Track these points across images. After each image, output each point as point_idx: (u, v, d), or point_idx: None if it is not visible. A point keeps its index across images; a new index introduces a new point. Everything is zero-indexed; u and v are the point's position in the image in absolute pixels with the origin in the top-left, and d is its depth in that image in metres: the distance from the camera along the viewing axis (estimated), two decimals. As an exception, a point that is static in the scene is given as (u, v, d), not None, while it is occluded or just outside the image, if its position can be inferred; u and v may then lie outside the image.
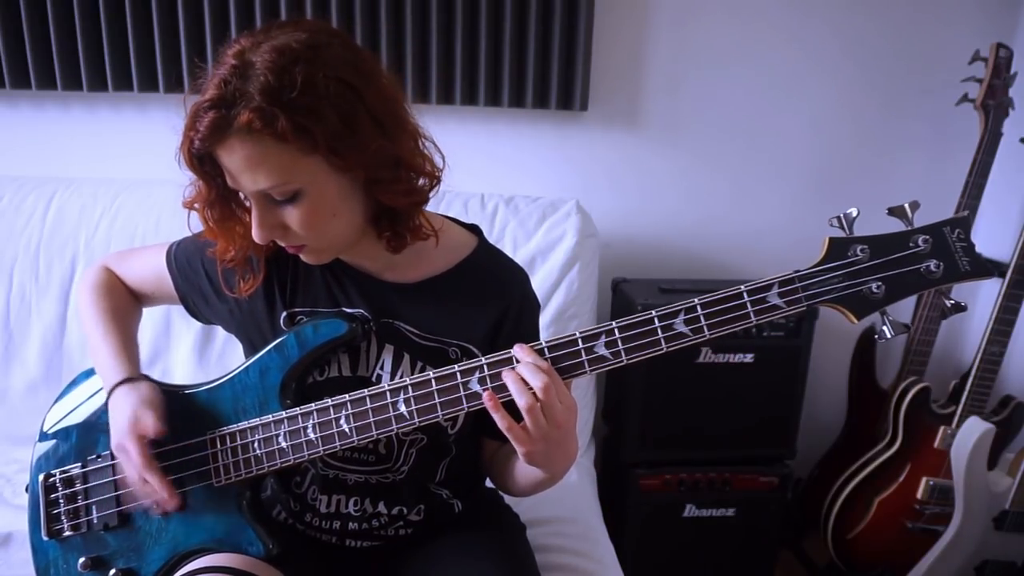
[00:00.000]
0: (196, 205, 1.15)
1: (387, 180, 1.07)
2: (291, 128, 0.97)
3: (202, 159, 1.05)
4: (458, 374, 1.05)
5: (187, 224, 1.21)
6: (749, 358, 2.10)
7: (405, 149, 1.08)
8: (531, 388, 0.99)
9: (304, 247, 1.11)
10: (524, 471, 1.18)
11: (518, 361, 1.03)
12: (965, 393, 2.10)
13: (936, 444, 2.13)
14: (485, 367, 1.04)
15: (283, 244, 1.11)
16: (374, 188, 1.08)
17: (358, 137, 1.02)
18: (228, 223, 1.14)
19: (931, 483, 2.14)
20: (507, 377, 1.01)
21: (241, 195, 1.10)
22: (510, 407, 1.01)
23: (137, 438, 1.11)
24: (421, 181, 1.12)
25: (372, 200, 1.10)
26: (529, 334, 1.26)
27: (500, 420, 1.00)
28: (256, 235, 1.06)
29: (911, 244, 0.95)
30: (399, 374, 1.19)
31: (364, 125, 1.02)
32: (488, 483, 1.49)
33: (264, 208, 1.05)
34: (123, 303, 1.33)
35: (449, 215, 1.31)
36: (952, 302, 0.97)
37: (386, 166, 1.06)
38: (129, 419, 1.13)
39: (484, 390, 1.03)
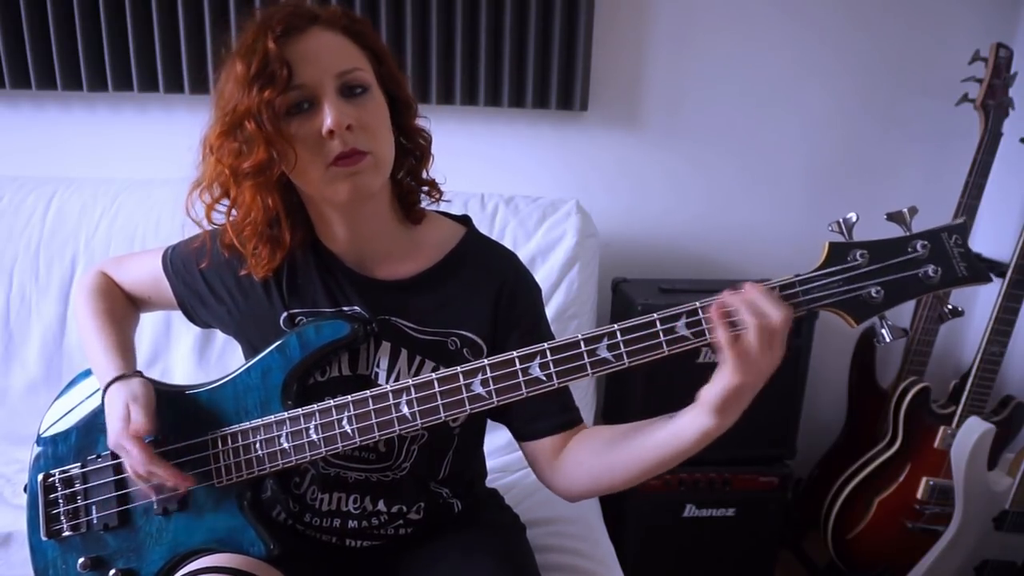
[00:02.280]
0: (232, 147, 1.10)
1: (410, 114, 1.20)
2: (365, 34, 1.13)
3: (277, 55, 1.04)
4: (460, 375, 1.05)
5: (190, 214, 1.19)
6: (749, 358, 2.09)
7: (414, 108, 1.22)
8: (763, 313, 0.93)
9: (367, 156, 1.08)
10: (653, 442, 1.11)
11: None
12: (965, 393, 2.10)
13: (936, 444, 2.13)
14: (488, 368, 1.04)
15: (349, 147, 1.06)
16: (404, 115, 1.18)
17: (397, 73, 1.18)
18: (270, 162, 1.08)
19: (931, 483, 2.14)
20: (734, 299, 0.94)
21: (297, 110, 1.07)
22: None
23: (135, 440, 1.11)
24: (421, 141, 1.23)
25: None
26: (528, 312, 1.25)
27: (723, 333, 0.93)
28: (333, 118, 1.04)
29: (910, 249, 0.95)
30: (396, 370, 1.20)
31: (397, 69, 1.18)
32: (487, 483, 1.49)
33: (338, 98, 1.07)
34: (119, 306, 1.34)
35: (440, 211, 1.32)
36: (950, 307, 0.98)
37: (409, 105, 1.20)
38: (122, 418, 1.13)
39: (706, 306, 0.96)
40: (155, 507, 1.19)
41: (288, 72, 1.04)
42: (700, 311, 0.98)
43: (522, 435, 1.23)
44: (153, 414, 1.14)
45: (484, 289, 1.23)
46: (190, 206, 1.18)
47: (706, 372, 2.12)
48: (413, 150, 1.22)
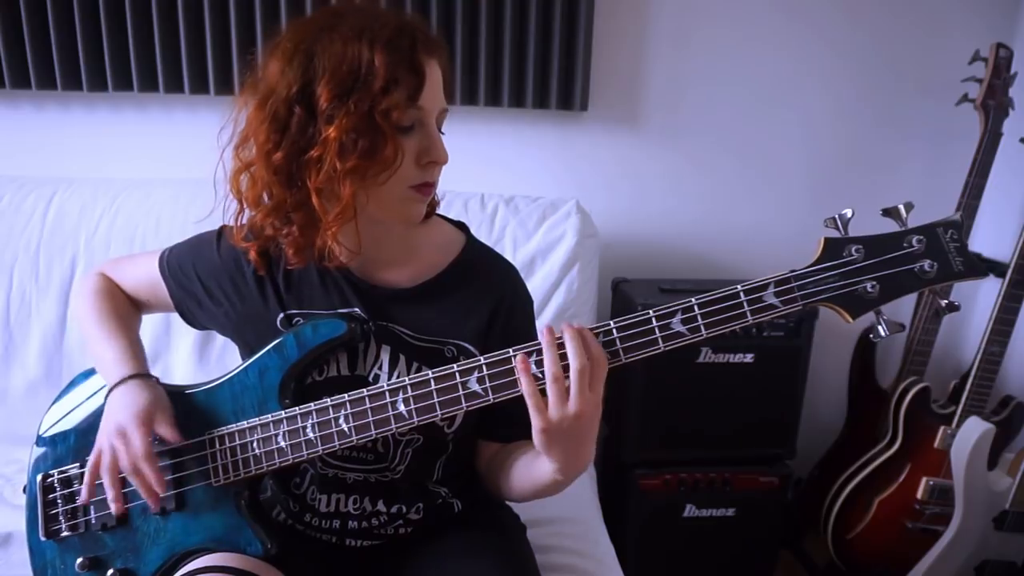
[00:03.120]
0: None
1: None
2: (449, 78, 1.14)
3: (406, 77, 1.04)
4: (457, 374, 1.05)
5: (239, 187, 1.15)
6: (749, 358, 2.10)
7: None
8: (565, 363, 0.98)
9: (433, 188, 1.14)
10: (527, 470, 1.16)
11: (539, 353, 1.02)
12: (965, 393, 2.10)
13: (936, 444, 2.13)
14: (484, 367, 1.04)
15: (433, 179, 1.13)
16: None
17: None
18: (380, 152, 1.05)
19: (931, 483, 2.14)
20: (544, 342, 0.99)
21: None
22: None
23: (145, 429, 1.11)
24: None
25: None
26: (521, 328, 1.26)
27: (525, 384, 0.99)
28: (443, 155, 1.10)
29: (905, 244, 0.96)
30: (396, 374, 1.19)
31: None
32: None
33: (437, 132, 1.11)
34: (123, 307, 1.33)
35: (439, 213, 1.32)
36: (946, 302, 0.98)
37: None
38: (141, 408, 1.12)
39: (515, 354, 1.02)
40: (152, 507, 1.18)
41: (421, 88, 1.05)
42: (696, 306, 0.99)
43: (485, 434, 1.30)
44: (174, 422, 1.15)
45: (483, 303, 1.23)
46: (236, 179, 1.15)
47: (705, 372, 2.14)
48: None
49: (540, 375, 0.99)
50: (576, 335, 0.98)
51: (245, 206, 1.16)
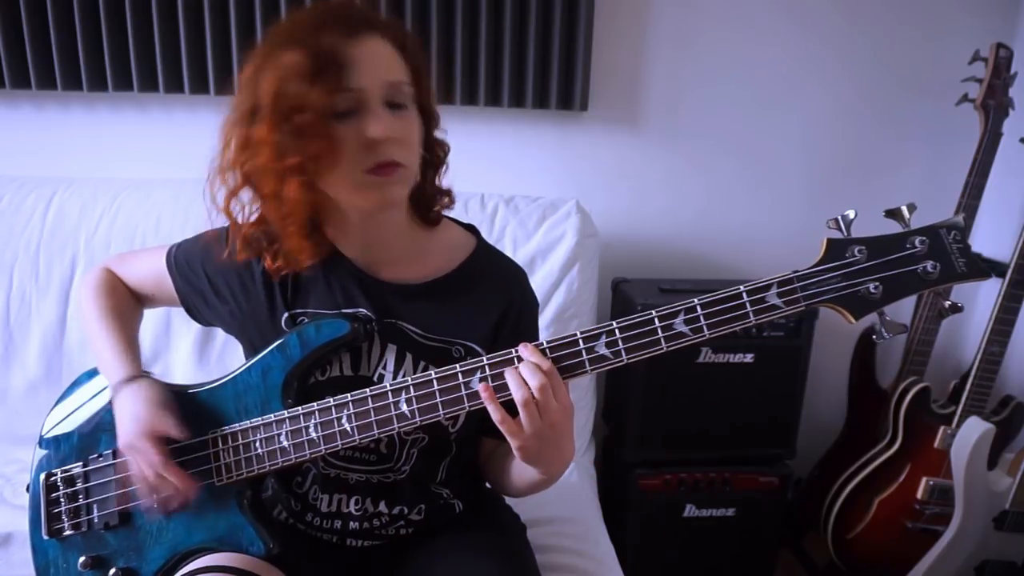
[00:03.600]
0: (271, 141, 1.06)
1: (435, 124, 1.21)
2: (415, 52, 1.13)
3: (336, 56, 1.03)
4: (459, 374, 1.06)
5: (216, 203, 1.15)
6: (749, 358, 2.10)
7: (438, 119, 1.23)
8: (527, 386, 1.01)
9: (399, 168, 1.08)
10: (519, 470, 1.19)
11: (520, 359, 1.04)
12: (965, 393, 2.10)
13: (936, 444, 2.13)
14: (487, 367, 1.05)
15: (388, 158, 1.07)
16: (429, 125, 1.19)
17: (429, 85, 1.18)
18: (321, 150, 1.06)
19: (931, 483, 2.14)
20: (508, 374, 1.03)
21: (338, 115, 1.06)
22: (511, 406, 1.02)
23: (152, 437, 1.12)
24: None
25: None
26: (528, 332, 1.27)
27: (493, 412, 1.02)
28: (384, 128, 1.04)
29: (908, 245, 0.96)
30: (402, 374, 1.20)
31: (429, 80, 1.18)
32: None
33: (383, 112, 1.06)
34: (125, 303, 1.34)
35: (447, 215, 1.32)
36: (949, 303, 0.99)
37: (435, 116, 1.21)
38: (144, 419, 1.13)
39: (481, 382, 1.04)
40: (155, 506, 1.18)
41: (344, 73, 1.03)
42: (699, 307, 0.99)
43: (487, 431, 1.29)
44: (180, 419, 1.15)
45: (492, 305, 1.24)
46: (214, 195, 1.15)
47: (705, 372, 2.14)
48: (432, 160, 1.23)
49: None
50: (530, 352, 1.04)
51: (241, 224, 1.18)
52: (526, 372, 1.02)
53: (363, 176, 1.07)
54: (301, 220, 1.11)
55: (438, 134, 1.23)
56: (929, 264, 0.95)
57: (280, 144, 1.04)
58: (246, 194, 1.14)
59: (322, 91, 1.02)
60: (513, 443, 1.04)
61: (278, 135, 1.03)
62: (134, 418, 1.14)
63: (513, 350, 1.05)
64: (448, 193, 1.27)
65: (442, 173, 1.26)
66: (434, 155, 1.23)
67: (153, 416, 1.14)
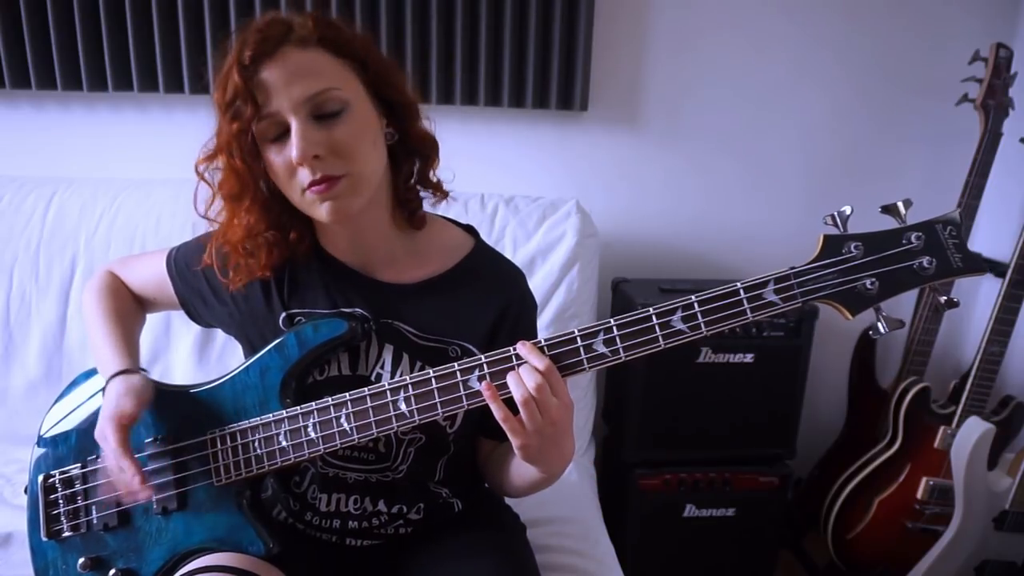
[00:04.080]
0: (215, 163, 1.13)
1: (412, 116, 1.18)
2: (343, 43, 1.09)
3: (242, 89, 1.04)
4: (458, 372, 1.06)
5: (196, 208, 1.20)
6: (749, 358, 2.10)
7: (417, 109, 1.20)
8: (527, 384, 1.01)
9: (341, 180, 1.07)
10: (520, 469, 1.18)
11: (519, 357, 1.04)
12: (965, 393, 2.10)
13: (936, 444, 2.13)
14: (485, 365, 1.05)
15: (319, 174, 1.06)
16: (404, 118, 1.17)
17: (391, 76, 1.15)
18: (248, 183, 1.11)
19: (931, 483, 2.14)
20: (509, 375, 1.03)
21: (269, 137, 1.08)
22: (512, 404, 1.02)
23: (117, 425, 1.11)
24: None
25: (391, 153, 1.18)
26: (527, 333, 1.26)
27: (497, 411, 1.02)
28: (298, 151, 1.03)
29: (904, 241, 0.96)
30: (399, 373, 1.20)
31: (392, 71, 1.16)
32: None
33: (307, 125, 1.05)
34: (126, 305, 1.34)
35: (446, 216, 1.32)
36: (945, 298, 0.99)
37: (410, 107, 1.17)
38: (113, 404, 1.13)
39: (482, 380, 1.04)
40: (154, 506, 1.18)
41: (254, 105, 1.04)
42: (696, 304, 1.00)
43: (487, 432, 1.31)
44: (144, 406, 1.15)
45: (490, 305, 1.23)
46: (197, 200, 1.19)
47: (705, 372, 2.13)
48: (416, 153, 1.21)
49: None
50: (528, 351, 1.04)
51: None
52: (524, 373, 1.02)
53: (304, 195, 1.09)
54: (236, 242, 1.16)
55: (424, 125, 1.21)
56: (925, 260, 0.95)
57: (217, 173, 1.13)
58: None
59: (232, 128, 1.05)
60: (515, 441, 1.04)
61: (214, 166, 1.13)
62: (107, 404, 1.14)
63: (511, 348, 1.05)
64: (436, 186, 1.25)
65: (435, 167, 1.24)
66: (417, 146, 1.20)
67: (124, 400, 1.13)
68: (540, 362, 1.02)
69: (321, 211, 1.09)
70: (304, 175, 1.06)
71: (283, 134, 1.06)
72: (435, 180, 1.24)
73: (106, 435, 1.11)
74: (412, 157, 1.21)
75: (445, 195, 1.26)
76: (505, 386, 1.03)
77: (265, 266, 1.18)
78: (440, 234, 1.28)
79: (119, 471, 1.13)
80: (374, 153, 1.12)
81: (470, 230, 1.32)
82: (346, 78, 1.08)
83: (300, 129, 1.04)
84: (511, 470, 1.23)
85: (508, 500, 1.47)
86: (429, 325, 1.21)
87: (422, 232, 1.25)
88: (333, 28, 1.09)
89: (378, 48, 1.18)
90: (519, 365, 1.04)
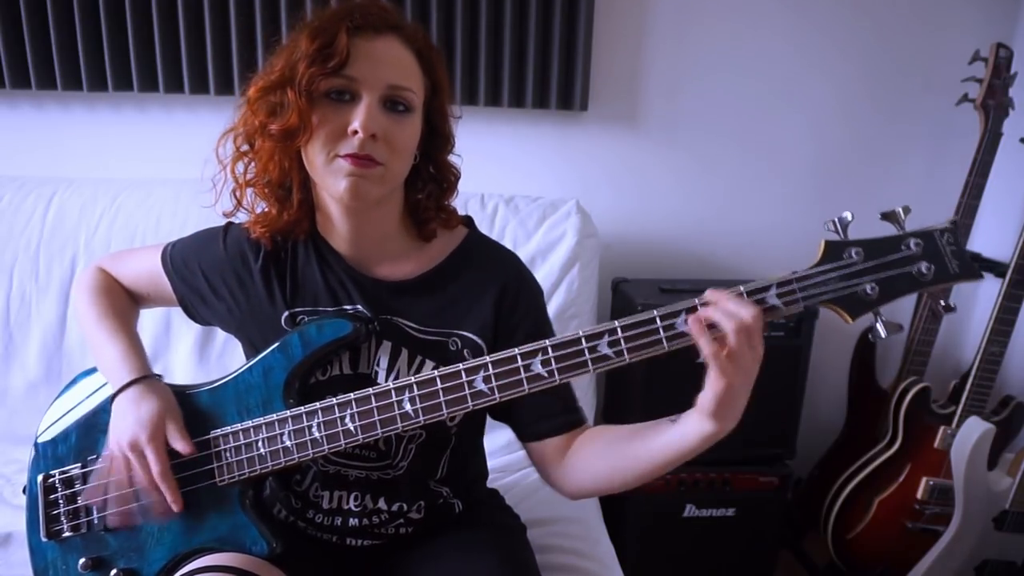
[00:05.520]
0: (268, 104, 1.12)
1: (446, 146, 1.25)
2: (434, 64, 1.17)
3: (344, 43, 1.07)
4: (463, 372, 1.06)
5: (218, 156, 1.21)
6: (749, 358, 2.09)
7: (451, 142, 1.27)
8: (736, 316, 0.95)
9: (377, 167, 1.10)
10: (655, 449, 1.12)
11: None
12: (965, 393, 2.10)
13: (936, 444, 2.13)
14: (490, 365, 1.05)
15: (365, 151, 1.08)
16: (439, 147, 1.24)
17: (446, 107, 1.22)
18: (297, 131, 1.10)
19: (931, 483, 2.14)
20: (710, 309, 0.97)
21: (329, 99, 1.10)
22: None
23: (159, 444, 1.13)
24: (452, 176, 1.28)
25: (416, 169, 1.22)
26: (529, 315, 1.25)
27: (705, 345, 0.96)
28: (365, 121, 1.07)
29: (903, 247, 0.98)
30: (395, 369, 1.20)
31: (448, 104, 1.23)
32: (488, 484, 1.49)
33: (377, 106, 1.09)
34: (122, 303, 1.33)
35: None
36: (943, 303, 1.01)
37: (447, 138, 1.25)
38: (153, 420, 1.14)
39: (687, 317, 0.99)
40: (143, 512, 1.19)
41: (344, 61, 1.07)
42: (700, 308, 0.99)
43: (526, 435, 1.24)
44: (183, 427, 1.17)
45: (486, 291, 1.23)
46: (220, 148, 1.20)
47: (706, 371, 2.11)
48: (441, 181, 1.26)
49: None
50: (724, 293, 0.98)
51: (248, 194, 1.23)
52: (734, 304, 0.96)
53: (333, 159, 1.09)
54: (270, 185, 1.18)
55: (452, 159, 1.26)
56: (923, 265, 0.97)
57: (267, 108, 1.11)
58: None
59: (311, 70, 1.06)
60: (720, 384, 0.98)
61: (268, 100, 1.11)
62: (140, 420, 1.14)
63: (516, 349, 1.04)
64: (451, 214, 1.28)
65: (452, 197, 1.28)
66: (442, 177, 1.26)
67: (162, 419, 1.15)
68: (745, 301, 0.97)
69: (341, 184, 1.09)
70: (350, 144, 1.08)
71: (347, 99, 1.09)
72: (450, 208, 1.28)
73: (147, 453, 1.13)
74: (432, 182, 1.25)
75: (456, 223, 1.29)
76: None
77: (270, 228, 1.21)
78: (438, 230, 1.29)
79: (152, 489, 1.14)
80: (409, 160, 1.17)
81: (466, 220, 1.32)
82: (420, 91, 1.15)
83: (372, 105, 1.08)
84: (636, 450, 1.14)
85: (508, 500, 1.48)
86: (428, 318, 1.22)
87: (420, 238, 1.26)
88: (433, 50, 1.18)
89: (452, 84, 1.25)
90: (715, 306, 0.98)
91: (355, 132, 1.07)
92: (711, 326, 0.97)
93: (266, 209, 1.22)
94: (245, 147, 1.18)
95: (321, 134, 1.08)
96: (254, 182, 1.20)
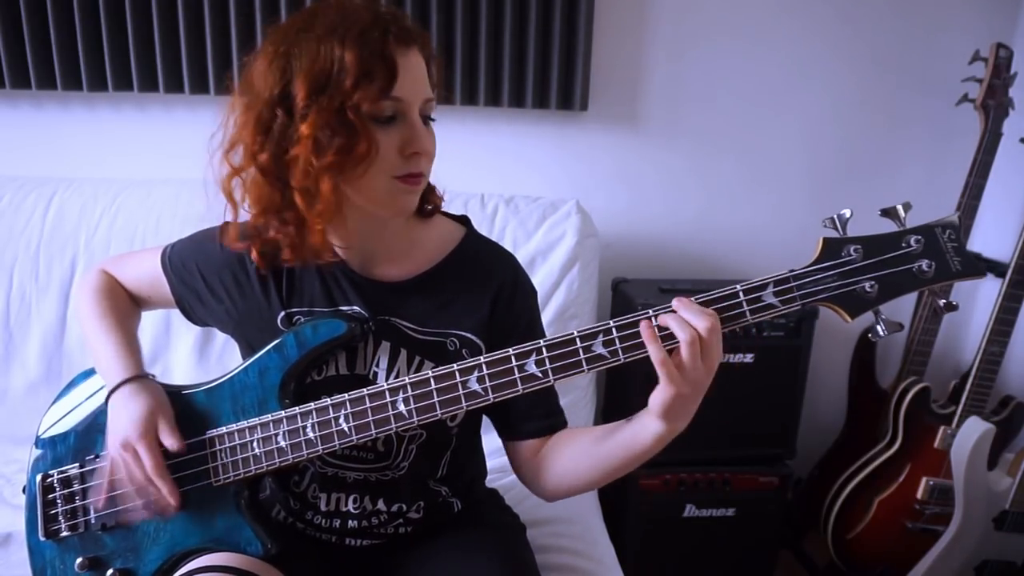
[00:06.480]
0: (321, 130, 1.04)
1: None
2: (438, 71, 1.17)
3: (392, 62, 1.04)
4: (456, 373, 1.06)
5: (217, 182, 1.15)
6: (749, 358, 2.10)
7: None
8: (692, 327, 0.97)
9: (423, 178, 1.12)
10: (613, 448, 1.15)
11: (629, 325, 1.01)
12: (965, 393, 2.10)
13: (936, 444, 2.13)
14: (484, 366, 1.05)
15: (419, 169, 1.10)
16: None
17: None
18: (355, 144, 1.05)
19: (931, 483, 2.14)
20: (667, 317, 0.98)
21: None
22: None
23: (151, 442, 1.13)
24: None
25: None
26: (523, 316, 1.26)
27: (655, 352, 0.97)
28: (428, 143, 1.10)
29: (903, 244, 0.96)
30: (395, 370, 1.20)
31: None
32: (487, 484, 1.49)
33: (422, 126, 1.10)
34: (123, 304, 1.33)
35: (444, 211, 1.32)
36: (944, 301, 0.99)
37: None
38: (143, 418, 1.14)
39: (644, 319, 1.00)
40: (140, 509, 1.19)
41: (393, 81, 1.04)
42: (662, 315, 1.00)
43: (509, 434, 1.27)
44: (174, 424, 1.17)
45: (483, 290, 1.23)
46: (226, 183, 1.15)
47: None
48: None
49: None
50: (688, 301, 0.99)
51: (240, 208, 1.16)
52: (690, 313, 0.97)
53: (392, 183, 1.09)
54: (330, 217, 1.09)
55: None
56: (924, 263, 0.96)
57: (319, 140, 1.03)
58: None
59: (371, 93, 1.03)
60: (669, 392, 1.00)
61: (319, 130, 1.03)
62: (131, 419, 1.14)
63: (510, 349, 1.04)
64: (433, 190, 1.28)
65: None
66: None
67: (154, 417, 1.15)
68: (707, 309, 0.98)
69: (405, 201, 1.12)
70: (409, 165, 1.08)
71: (391, 119, 1.07)
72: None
73: (138, 451, 1.13)
74: None
75: (440, 200, 1.29)
76: (663, 329, 0.99)
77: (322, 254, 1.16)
78: (436, 227, 1.28)
79: (148, 486, 1.14)
80: None
81: (463, 220, 1.32)
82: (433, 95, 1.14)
83: (418, 123, 1.09)
84: (594, 454, 1.17)
85: (508, 500, 1.47)
86: (426, 319, 1.21)
87: (421, 226, 1.26)
88: (432, 51, 1.16)
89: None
90: (678, 310, 0.98)
91: (414, 153, 1.07)
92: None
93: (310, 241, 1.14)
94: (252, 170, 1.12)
95: (380, 159, 1.06)
96: (312, 217, 1.09)
